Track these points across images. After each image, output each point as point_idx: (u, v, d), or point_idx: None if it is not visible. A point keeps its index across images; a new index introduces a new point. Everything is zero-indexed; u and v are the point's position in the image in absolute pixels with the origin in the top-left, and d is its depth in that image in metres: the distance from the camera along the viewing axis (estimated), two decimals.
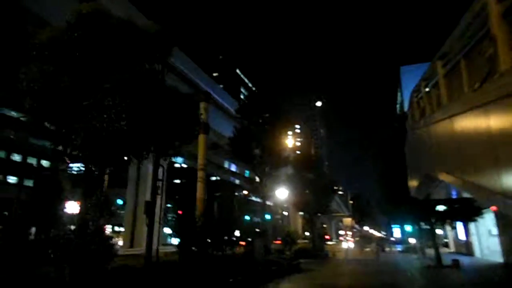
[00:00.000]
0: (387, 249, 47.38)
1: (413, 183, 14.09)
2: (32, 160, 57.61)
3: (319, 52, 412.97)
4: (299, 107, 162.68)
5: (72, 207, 39.95)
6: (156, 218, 15.68)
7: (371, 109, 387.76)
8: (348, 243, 71.06)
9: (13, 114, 35.81)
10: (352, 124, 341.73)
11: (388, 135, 28.22)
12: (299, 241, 58.97)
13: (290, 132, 27.30)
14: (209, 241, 14.34)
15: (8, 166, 51.29)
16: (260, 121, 21.31)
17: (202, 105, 17.02)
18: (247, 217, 60.16)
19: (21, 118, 8.85)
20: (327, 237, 73.74)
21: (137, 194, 34.38)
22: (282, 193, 23.85)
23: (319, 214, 48.77)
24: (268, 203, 71.30)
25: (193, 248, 12.15)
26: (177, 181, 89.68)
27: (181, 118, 9.06)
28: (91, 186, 8.42)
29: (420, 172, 9.81)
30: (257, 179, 21.71)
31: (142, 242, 23.29)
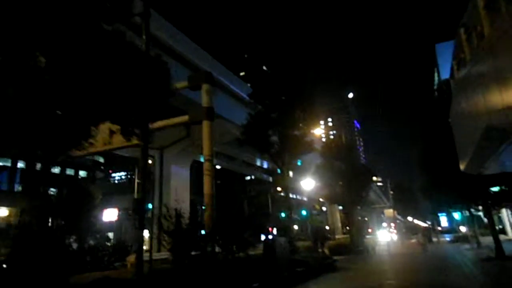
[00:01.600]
0: (434, 239, 43.14)
1: (463, 157, 11.17)
2: (70, 171, 58.61)
3: (350, 34, 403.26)
4: (331, 99, 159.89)
5: (110, 215, 39.29)
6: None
7: (408, 94, 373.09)
8: (391, 235, 66.94)
9: None
10: (390, 113, 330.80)
11: (427, 111, 24.94)
12: (338, 236, 55.99)
13: (315, 118, 24.72)
14: (219, 242, 12.24)
15: (47, 178, 52.06)
16: (276, 105, 18.96)
17: (204, 87, 15.02)
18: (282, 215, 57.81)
19: None
20: (369, 230, 69.96)
21: (161, 196, 33.18)
22: (308, 184, 21.30)
23: (358, 207, 45.65)
24: (299, 197, 68.55)
25: (193, 252, 10.01)
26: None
27: (141, 85, 6.85)
28: (31, 182, 6.46)
29: (476, 134, 7.15)
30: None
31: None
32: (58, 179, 52.35)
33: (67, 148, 7.10)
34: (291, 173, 44.06)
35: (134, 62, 6.68)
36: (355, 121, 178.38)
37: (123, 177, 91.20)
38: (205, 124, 14.61)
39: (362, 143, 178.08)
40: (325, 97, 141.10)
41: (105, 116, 6.71)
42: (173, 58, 20.23)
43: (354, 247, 28.47)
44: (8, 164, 44.58)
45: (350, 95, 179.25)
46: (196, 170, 41.77)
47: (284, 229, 17.66)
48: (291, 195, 65.63)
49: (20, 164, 45.73)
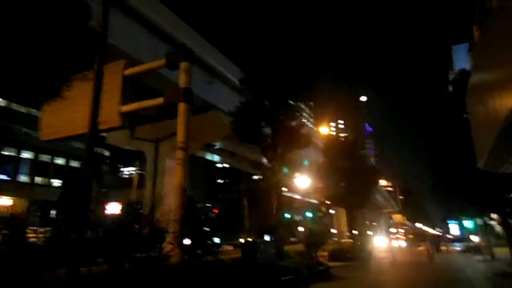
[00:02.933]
0: (444, 248, 40.42)
1: (482, 151, 9.10)
2: (74, 163, 57.61)
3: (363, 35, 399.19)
4: (343, 101, 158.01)
5: (113, 208, 38.09)
6: None
7: (420, 97, 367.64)
8: (398, 242, 64.41)
9: None
10: (403, 116, 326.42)
11: (440, 108, 22.72)
12: (343, 240, 53.73)
13: (319, 112, 22.71)
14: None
15: (52, 170, 51.01)
16: (269, 91, 17.00)
17: (182, 65, 13.16)
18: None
19: None
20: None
21: (154, 191, 31.72)
22: (302, 182, 19.31)
23: (363, 211, 43.23)
24: (307, 199, 66.04)
25: (139, 253, 8.13)
26: (221, 181, 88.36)
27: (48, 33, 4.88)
28: None
29: (504, 111, 5.20)
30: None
31: None
32: (62, 170, 51.43)
33: None
34: (297, 174, 42.11)
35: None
36: (366, 124, 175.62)
37: (132, 171, 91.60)
38: (181, 107, 12.76)
39: (372, 146, 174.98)
40: (336, 98, 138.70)
41: None
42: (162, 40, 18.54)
43: (356, 252, 26.42)
44: (13, 153, 43.49)
45: (363, 98, 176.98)
46: (192, 165, 40.39)
47: (270, 231, 15.73)
48: (297, 196, 63.45)
49: (25, 154, 44.57)
